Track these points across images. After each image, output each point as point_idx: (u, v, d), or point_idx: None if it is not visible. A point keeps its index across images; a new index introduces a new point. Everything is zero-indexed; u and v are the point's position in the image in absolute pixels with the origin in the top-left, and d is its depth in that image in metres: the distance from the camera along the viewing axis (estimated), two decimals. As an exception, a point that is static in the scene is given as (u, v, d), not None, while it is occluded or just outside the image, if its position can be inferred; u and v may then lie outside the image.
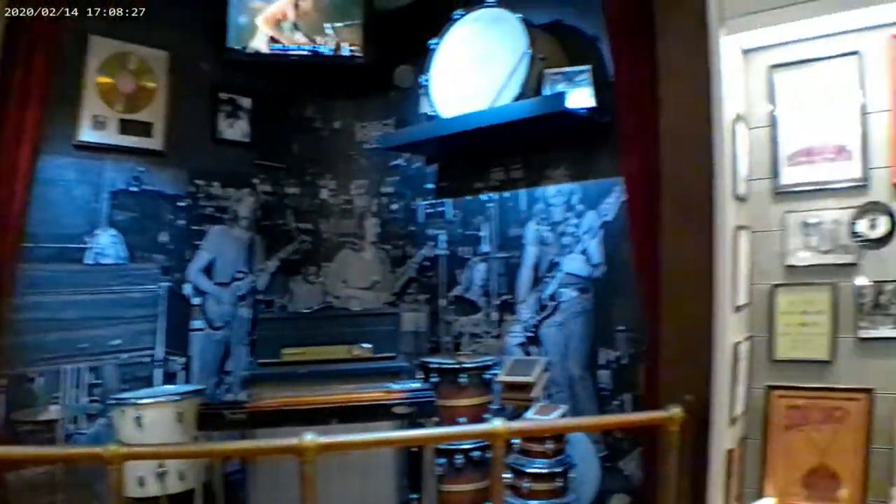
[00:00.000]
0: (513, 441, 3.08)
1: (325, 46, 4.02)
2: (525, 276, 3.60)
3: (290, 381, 3.32)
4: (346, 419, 3.00)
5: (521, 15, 3.18)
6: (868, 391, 2.62)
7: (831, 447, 2.69)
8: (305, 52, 4.01)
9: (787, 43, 2.77)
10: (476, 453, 3.33)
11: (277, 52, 3.98)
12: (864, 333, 2.63)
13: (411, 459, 3.36)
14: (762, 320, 2.80)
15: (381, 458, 3.29)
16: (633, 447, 3.21)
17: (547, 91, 3.05)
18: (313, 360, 3.50)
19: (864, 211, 2.57)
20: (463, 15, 3.47)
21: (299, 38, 3.99)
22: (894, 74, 2.56)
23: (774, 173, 2.79)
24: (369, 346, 3.58)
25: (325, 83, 4.41)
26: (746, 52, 2.84)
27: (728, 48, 2.58)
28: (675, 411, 2.42)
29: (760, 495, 2.79)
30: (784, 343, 2.78)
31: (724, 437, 2.48)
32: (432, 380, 3.38)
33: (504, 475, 2.94)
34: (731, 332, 2.48)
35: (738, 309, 2.58)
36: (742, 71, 2.82)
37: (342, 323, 3.73)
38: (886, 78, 2.58)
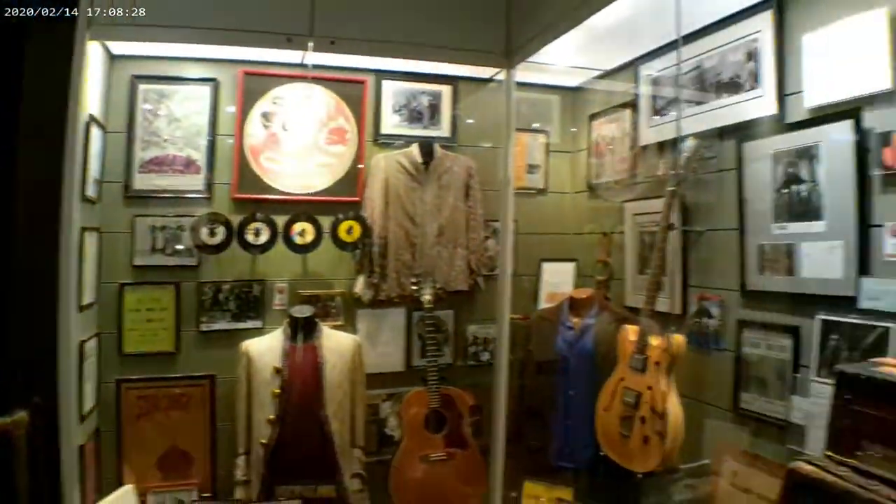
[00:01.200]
0: None
1: None
2: None
3: None
4: None
5: None
6: (210, 377, 3.04)
7: (180, 429, 3.02)
8: None
9: (155, 57, 2.97)
10: None
11: None
12: (205, 327, 3.05)
13: None
14: (111, 318, 2.93)
15: None
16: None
17: None
18: None
19: (206, 220, 2.94)
20: None
21: None
22: (241, 104, 3.03)
23: (127, 178, 2.95)
24: None
25: None
26: (115, 57, 2.92)
27: (94, 51, 2.61)
28: (20, 415, 2.32)
29: (120, 484, 2.89)
30: (132, 338, 2.97)
31: (74, 435, 2.48)
32: None
33: None
34: (76, 330, 2.51)
35: (83, 308, 2.63)
36: (106, 75, 2.89)
37: None
38: (236, 106, 3.03)
